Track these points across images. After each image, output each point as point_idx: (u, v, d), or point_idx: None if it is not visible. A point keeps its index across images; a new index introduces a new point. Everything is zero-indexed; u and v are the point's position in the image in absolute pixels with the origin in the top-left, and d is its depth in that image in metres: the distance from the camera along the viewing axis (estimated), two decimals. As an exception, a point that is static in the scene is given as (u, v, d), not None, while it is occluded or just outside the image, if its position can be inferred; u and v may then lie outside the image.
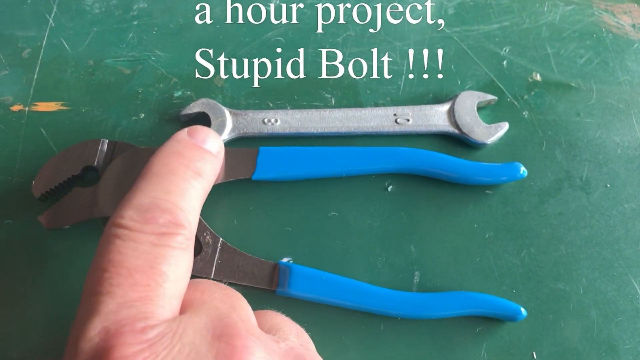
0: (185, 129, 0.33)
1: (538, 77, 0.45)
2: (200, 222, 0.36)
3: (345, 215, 0.40)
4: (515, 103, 0.44)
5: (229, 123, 0.41)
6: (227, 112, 0.41)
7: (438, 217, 0.40)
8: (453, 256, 0.39)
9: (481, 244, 0.39)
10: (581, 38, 0.47)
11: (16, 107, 0.43)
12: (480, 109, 0.43)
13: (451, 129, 0.42)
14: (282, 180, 0.39)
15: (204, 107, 0.41)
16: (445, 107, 0.42)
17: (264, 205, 0.40)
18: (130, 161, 0.37)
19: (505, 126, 0.42)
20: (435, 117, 0.42)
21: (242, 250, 0.36)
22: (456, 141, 0.42)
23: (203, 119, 0.41)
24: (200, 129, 0.33)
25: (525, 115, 0.43)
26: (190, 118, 0.42)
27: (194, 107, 0.41)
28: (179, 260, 0.27)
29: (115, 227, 0.27)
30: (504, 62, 0.46)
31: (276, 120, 0.41)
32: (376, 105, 0.43)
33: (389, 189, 0.41)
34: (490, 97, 0.43)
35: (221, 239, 0.36)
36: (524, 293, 0.38)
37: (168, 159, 0.31)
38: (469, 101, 0.42)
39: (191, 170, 0.31)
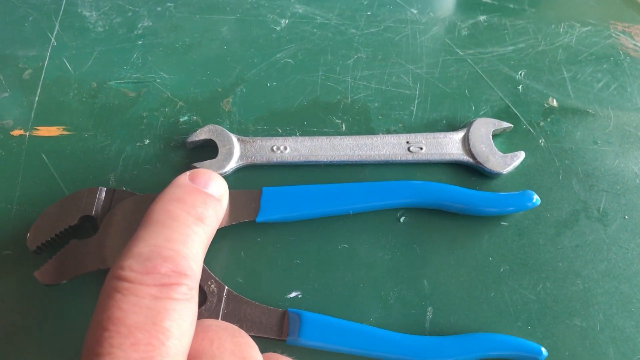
0: (187, 173, 0.32)
1: (554, 103, 0.44)
2: (203, 270, 0.35)
3: (355, 247, 0.39)
4: (531, 130, 0.43)
5: (237, 151, 0.40)
6: (234, 139, 0.40)
7: (452, 249, 0.39)
8: (467, 291, 0.38)
9: (496, 278, 0.38)
10: (598, 61, 0.46)
11: (17, 132, 0.41)
12: (495, 136, 0.41)
13: (466, 157, 0.40)
14: (287, 221, 0.38)
15: (211, 134, 0.40)
16: (460, 134, 0.41)
17: (271, 240, 0.38)
18: (129, 210, 0.35)
19: (521, 156, 0.40)
20: (449, 146, 0.41)
21: (250, 288, 0.35)
22: (471, 170, 0.41)
23: (210, 146, 0.40)
24: (202, 173, 0.32)
25: (542, 143, 0.42)
26: (197, 145, 0.40)
27: (201, 134, 0.40)
28: (183, 314, 0.26)
29: (115, 279, 0.26)
30: (520, 87, 0.44)
31: (285, 148, 0.40)
32: (388, 131, 0.42)
33: (401, 220, 0.39)
34: (505, 124, 0.41)
35: (226, 287, 0.35)
36: (539, 329, 0.37)
37: (169, 206, 0.29)
38: (484, 129, 0.41)
39: (193, 216, 0.30)
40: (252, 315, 0.34)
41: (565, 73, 0.45)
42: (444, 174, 0.41)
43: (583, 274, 0.39)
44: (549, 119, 0.43)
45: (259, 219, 0.36)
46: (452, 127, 0.42)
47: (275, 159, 0.40)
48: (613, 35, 0.47)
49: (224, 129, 0.40)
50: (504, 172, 0.40)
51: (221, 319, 0.34)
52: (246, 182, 0.40)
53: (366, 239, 0.39)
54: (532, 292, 0.38)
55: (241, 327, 0.34)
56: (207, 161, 0.39)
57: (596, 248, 0.39)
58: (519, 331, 0.37)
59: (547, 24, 0.48)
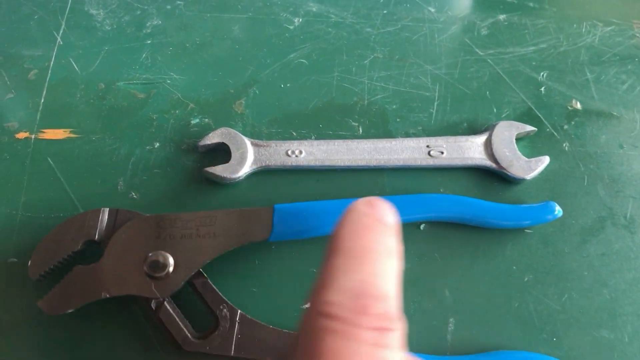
0: (364, 201, 0.27)
1: (578, 105, 0.42)
2: (214, 293, 0.33)
3: (374, 255, 0.37)
4: (555, 133, 0.41)
5: (250, 155, 0.38)
6: (248, 142, 0.39)
7: (474, 258, 0.37)
8: (490, 301, 0.36)
9: (520, 288, 0.37)
10: (622, 62, 0.44)
11: (22, 135, 0.40)
12: (518, 140, 0.40)
13: (488, 162, 0.39)
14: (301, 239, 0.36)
15: (224, 137, 0.39)
16: (482, 138, 0.40)
17: (284, 256, 0.37)
18: (135, 232, 0.33)
19: (546, 160, 0.39)
20: (471, 150, 0.39)
21: (264, 308, 0.34)
22: (493, 175, 0.39)
23: (222, 150, 0.39)
24: (377, 201, 0.27)
25: (566, 147, 0.41)
26: (209, 149, 0.39)
27: (213, 137, 0.39)
28: None
29: (323, 317, 0.22)
30: (542, 88, 0.43)
31: (300, 152, 0.39)
32: (407, 134, 0.41)
33: (422, 227, 0.38)
34: (529, 128, 0.40)
35: (239, 311, 0.33)
36: (565, 341, 0.36)
37: (360, 234, 0.25)
38: (507, 132, 0.39)
39: (385, 249, 0.26)
40: (267, 339, 0.33)
41: (588, 74, 0.44)
42: (465, 180, 0.39)
43: (610, 283, 0.37)
44: (572, 122, 0.42)
45: (272, 238, 0.34)
46: (474, 130, 0.41)
47: (290, 164, 0.39)
48: (637, 34, 0.46)
49: (237, 132, 0.39)
50: (528, 178, 0.39)
51: (235, 345, 0.32)
52: (259, 188, 0.39)
53: (385, 247, 0.37)
54: (558, 302, 0.37)
55: (256, 352, 0.32)
56: (220, 166, 0.38)
57: (623, 256, 0.38)
58: (543, 343, 0.35)
59: (568, 23, 0.46)
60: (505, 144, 0.39)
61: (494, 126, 0.40)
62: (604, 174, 0.40)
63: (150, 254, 0.32)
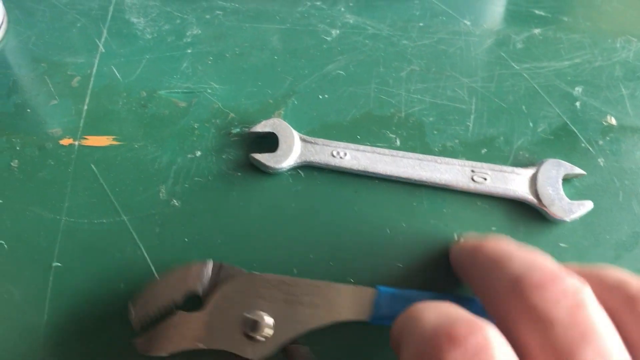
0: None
1: (613, 121, 0.43)
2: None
3: (410, 267, 0.37)
4: (590, 149, 0.41)
5: (297, 148, 0.39)
6: (297, 136, 0.40)
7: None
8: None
9: (555, 302, 0.37)
10: (657, 78, 0.45)
11: (65, 141, 0.41)
12: (565, 180, 0.40)
13: (530, 197, 0.39)
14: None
15: (275, 127, 0.40)
16: (528, 172, 0.40)
17: (324, 254, 0.37)
18: (238, 288, 0.33)
19: (589, 205, 0.39)
20: (515, 182, 0.39)
21: None
22: (533, 211, 0.39)
23: (269, 141, 0.40)
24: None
25: (601, 163, 0.41)
26: (258, 136, 0.40)
27: (265, 126, 0.40)
28: None
29: None
30: (577, 103, 0.43)
31: (345, 154, 0.39)
32: (444, 147, 0.41)
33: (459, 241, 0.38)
34: (578, 171, 0.40)
35: None
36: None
37: None
38: (554, 171, 0.39)
39: None
40: None
41: (623, 90, 0.44)
42: (504, 211, 0.39)
43: (644, 299, 0.37)
44: (607, 138, 0.42)
45: (374, 322, 0.33)
46: (510, 144, 0.41)
47: (333, 164, 0.39)
48: (671, 51, 0.46)
49: (288, 125, 0.40)
50: (568, 220, 0.39)
51: None
52: (301, 183, 0.39)
53: (422, 259, 0.38)
54: (592, 317, 0.37)
55: None
56: (267, 154, 0.39)
57: (658, 273, 0.38)
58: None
59: (603, 38, 0.47)
60: (551, 182, 0.39)
61: (542, 162, 0.40)
62: (639, 190, 0.40)
63: (250, 314, 0.32)
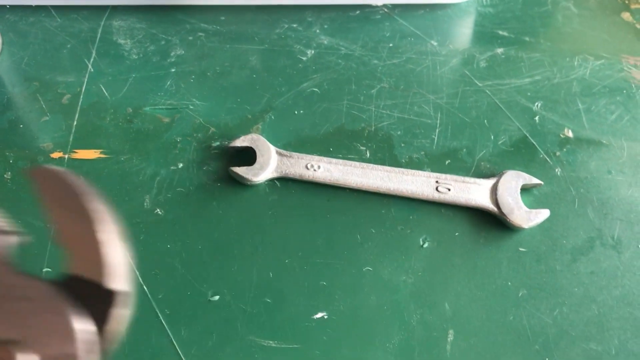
0: None
1: (570, 134, 0.46)
2: None
3: (379, 270, 0.40)
4: (548, 160, 0.44)
5: (274, 162, 0.42)
6: (273, 150, 0.42)
7: (472, 274, 0.40)
8: (487, 314, 0.39)
9: (514, 303, 0.39)
10: (611, 94, 0.48)
11: (56, 154, 0.43)
12: (524, 190, 0.43)
13: (491, 206, 0.42)
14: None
15: (253, 142, 0.42)
16: (489, 183, 0.42)
17: (299, 263, 0.40)
18: None
19: (546, 213, 0.41)
20: (477, 192, 0.42)
21: (277, 308, 0.36)
22: (493, 219, 0.42)
23: (247, 155, 0.42)
24: None
25: (558, 173, 0.44)
26: (236, 150, 0.43)
27: (244, 142, 0.43)
28: None
29: None
30: (536, 118, 0.46)
31: (319, 167, 0.42)
32: (411, 159, 0.44)
33: (424, 245, 0.41)
34: (536, 180, 0.42)
35: None
36: (556, 353, 0.38)
37: None
38: (514, 182, 0.42)
39: None
40: None
41: (580, 105, 0.47)
42: (467, 218, 0.42)
43: (598, 299, 0.40)
44: (564, 149, 0.45)
45: None
46: (472, 156, 0.44)
47: (307, 176, 0.42)
48: (625, 68, 0.49)
49: (265, 140, 0.42)
50: (526, 227, 0.41)
51: None
52: (276, 194, 0.42)
53: (390, 263, 0.40)
54: (550, 316, 0.39)
55: None
56: (244, 167, 0.42)
57: (611, 275, 0.40)
58: (536, 354, 0.38)
59: (562, 57, 0.50)
60: (510, 192, 0.42)
61: (502, 174, 0.43)
62: (594, 198, 0.43)
63: None
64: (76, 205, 0.24)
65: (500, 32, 0.52)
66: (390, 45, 0.51)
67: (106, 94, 0.46)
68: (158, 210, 0.41)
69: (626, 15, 0.54)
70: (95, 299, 0.23)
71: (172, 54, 0.49)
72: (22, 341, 0.22)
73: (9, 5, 0.52)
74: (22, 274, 0.24)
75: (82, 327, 0.23)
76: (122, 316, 0.23)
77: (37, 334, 0.23)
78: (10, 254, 0.24)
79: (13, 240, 0.25)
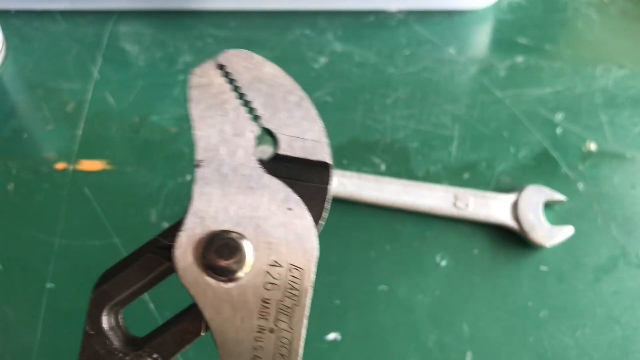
0: None
1: (592, 147, 0.44)
2: None
3: (395, 289, 0.39)
4: (570, 174, 0.43)
5: None
6: None
7: (491, 294, 0.39)
8: (506, 336, 0.38)
9: (535, 323, 0.38)
10: (635, 105, 0.46)
11: (60, 165, 0.42)
12: (547, 206, 0.41)
13: (512, 223, 0.40)
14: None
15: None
16: (510, 198, 0.41)
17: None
18: None
19: (569, 231, 0.40)
20: (497, 208, 0.40)
21: None
22: (513, 236, 0.40)
23: None
24: None
25: (580, 188, 0.42)
26: None
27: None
28: None
29: None
30: (558, 130, 0.45)
31: (332, 180, 0.41)
32: (428, 172, 0.42)
33: (442, 263, 0.39)
34: (558, 196, 0.41)
35: None
36: (579, 377, 0.37)
37: None
38: (535, 197, 0.40)
39: None
40: None
41: (602, 117, 0.46)
42: (486, 235, 0.40)
43: (622, 320, 0.38)
44: (587, 163, 0.43)
45: None
46: (492, 170, 0.43)
47: None
48: (649, 78, 0.48)
49: None
50: (548, 246, 0.40)
51: None
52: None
53: (405, 281, 0.39)
54: (571, 338, 0.38)
55: None
56: None
57: (635, 294, 0.39)
58: (558, 378, 0.37)
59: (583, 66, 0.48)
60: (532, 208, 0.40)
61: (523, 189, 0.41)
62: (617, 214, 0.42)
63: None
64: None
65: (520, 40, 0.51)
66: (407, 53, 0.49)
67: (112, 102, 0.45)
68: (165, 224, 0.40)
69: (649, 23, 0.52)
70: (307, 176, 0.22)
71: (181, 60, 0.47)
72: None
73: (14, 10, 0.51)
74: None
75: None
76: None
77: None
78: None
79: None
